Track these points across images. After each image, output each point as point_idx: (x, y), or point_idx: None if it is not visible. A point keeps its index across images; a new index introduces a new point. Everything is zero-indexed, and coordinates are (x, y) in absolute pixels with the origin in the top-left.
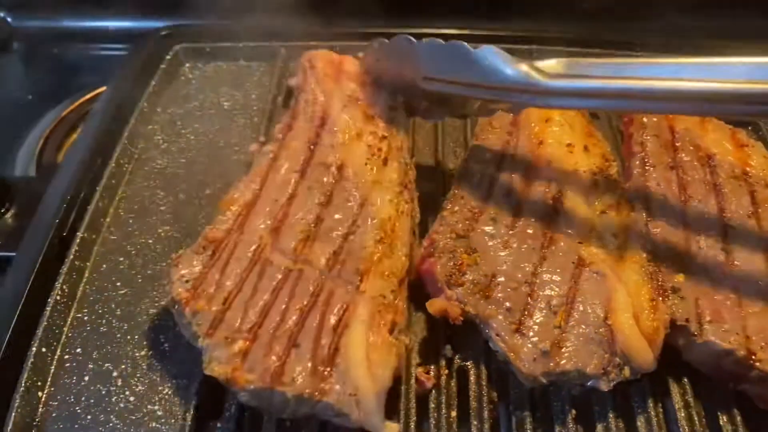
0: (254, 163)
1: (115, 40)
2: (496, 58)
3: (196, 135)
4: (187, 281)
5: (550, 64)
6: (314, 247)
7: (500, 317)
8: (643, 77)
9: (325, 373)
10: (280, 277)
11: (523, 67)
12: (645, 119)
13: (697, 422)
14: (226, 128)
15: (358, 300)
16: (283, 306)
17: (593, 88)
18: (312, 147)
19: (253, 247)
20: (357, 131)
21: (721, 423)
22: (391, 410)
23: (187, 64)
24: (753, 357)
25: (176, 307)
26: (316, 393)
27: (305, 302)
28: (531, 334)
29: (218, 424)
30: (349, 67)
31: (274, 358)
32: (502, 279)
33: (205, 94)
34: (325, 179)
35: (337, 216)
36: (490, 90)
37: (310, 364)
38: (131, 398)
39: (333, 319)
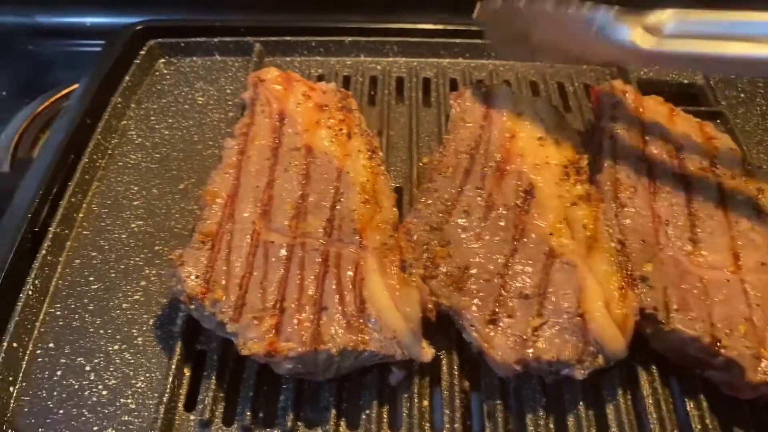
0: (223, 156)
1: (90, 36)
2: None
3: (170, 130)
4: (197, 277)
5: (662, 18)
6: (308, 219)
7: (474, 309)
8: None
9: (360, 324)
10: (285, 253)
11: (637, 31)
12: (615, 112)
13: (664, 409)
14: (201, 123)
15: (365, 254)
16: (298, 277)
17: (705, 56)
18: (277, 137)
19: (249, 233)
20: (315, 120)
21: (688, 409)
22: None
23: (162, 60)
24: (718, 344)
25: (194, 303)
26: (360, 344)
27: (317, 269)
28: (504, 324)
29: (191, 417)
30: (294, 77)
31: (307, 324)
32: (474, 271)
33: (180, 89)
34: (298, 161)
35: (319, 190)
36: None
37: (343, 320)
38: (104, 392)
39: (348, 277)
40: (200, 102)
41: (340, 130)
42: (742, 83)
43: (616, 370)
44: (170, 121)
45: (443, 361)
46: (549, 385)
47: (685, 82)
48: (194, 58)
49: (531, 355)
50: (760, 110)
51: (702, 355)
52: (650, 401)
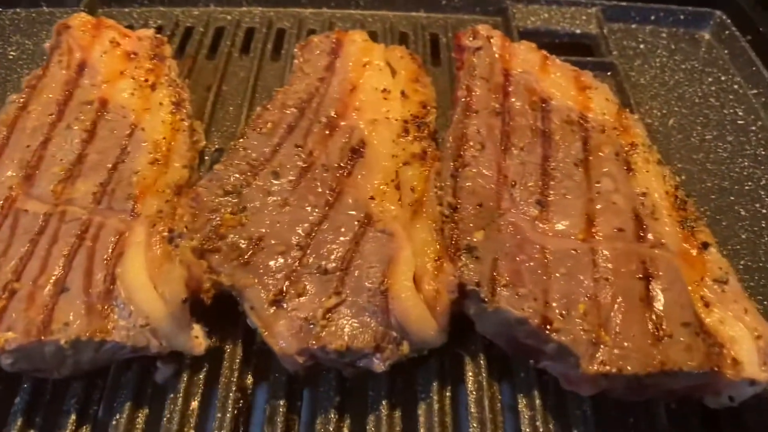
0: (0, 112)
1: None
2: None
3: None
4: None
5: None
6: (77, 184)
7: (258, 286)
8: None
9: (105, 308)
10: (38, 224)
11: None
12: (476, 60)
13: (488, 408)
14: (4, 81)
15: (134, 224)
16: (44, 253)
17: None
18: (69, 91)
19: (1, 201)
20: (120, 70)
21: (519, 408)
22: None
23: None
24: (548, 327)
25: None
26: (98, 332)
27: (71, 244)
28: (292, 305)
29: None
30: (107, 22)
31: (38, 308)
32: (270, 242)
33: None
34: (86, 116)
35: (102, 149)
36: None
37: (83, 305)
38: None
39: (105, 252)
40: (11, 57)
41: (145, 80)
42: (643, 33)
43: (434, 361)
44: None
45: (226, 354)
46: (350, 380)
47: (578, 31)
48: (17, 10)
49: (316, 344)
50: (659, 62)
51: (533, 341)
52: (472, 398)
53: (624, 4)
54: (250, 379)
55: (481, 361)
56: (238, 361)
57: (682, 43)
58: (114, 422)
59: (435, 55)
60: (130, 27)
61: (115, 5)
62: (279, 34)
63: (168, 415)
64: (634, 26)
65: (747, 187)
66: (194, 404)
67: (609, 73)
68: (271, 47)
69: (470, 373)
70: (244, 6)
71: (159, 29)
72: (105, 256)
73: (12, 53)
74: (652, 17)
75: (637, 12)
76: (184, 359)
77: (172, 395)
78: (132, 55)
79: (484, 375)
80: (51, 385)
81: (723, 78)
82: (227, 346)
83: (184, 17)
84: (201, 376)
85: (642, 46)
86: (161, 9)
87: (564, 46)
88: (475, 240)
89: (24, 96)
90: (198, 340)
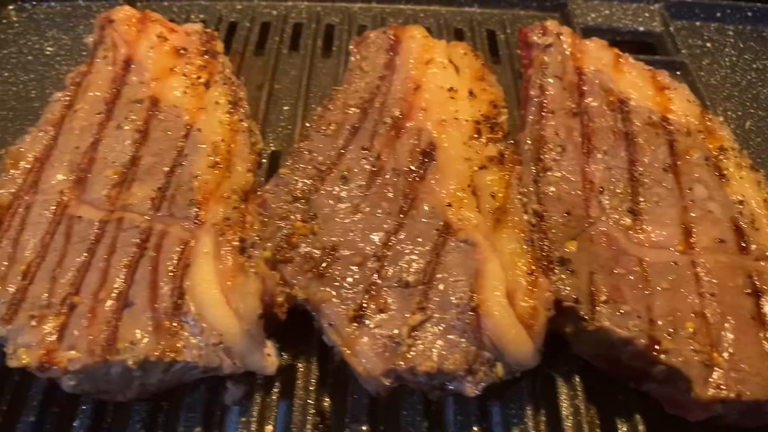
0: (45, 111)
1: None
2: None
3: (4, 85)
4: None
5: None
6: (133, 189)
7: (336, 300)
8: None
9: (174, 325)
10: (94, 232)
11: None
12: (546, 58)
13: None
14: (43, 77)
15: (199, 233)
16: (102, 264)
17: None
18: (117, 88)
19: (53, 206)
20: (170, 66)
21: None
22: None
23: (12, 6)
24: (657, 347)
25: None
26: (168, 353)
27: (132, 253)
28: (374, 322)
29: None
30: (153, 16)
31: (101, 325)
32: (344, 252)
33: (27, 39)
34: (137, 116)
35: (157, 151)
36: None
37: (150, 321)
38: None
39: (170, 263)
40: (48, 53)
41: (198, 78)
42: (709, 31)
43: (525, 383)
44: (6, 74)
45: (299, 373)
46: (436, 403)
47: (641, 29)
48: (52, 3)
49: (404, 364)
50: (729, 62)
51: (638, 363)
52: (570, 423)
53: (689, 1)
54: (327, 401)
55: (577, 384)
56: (313, 380)
57: (751, 41)
58: None
59: (492, 52)
60: (172, 21)
61: None
62: (328, 30)
63: None
64: (698, 23)
65: None
66: (269, 428)
67: (678, 73)
68: (321, 43)
69: (564, 396)
70: (289, 0)
71: (202, 22)
72: (170, 268)
73: (49, 49)
74: (718, 14)
75: (702, 9)
76: (256, 379)
77: (244, 419)
78: (181, 51)
79: (580, 398)
80: (112, 407)
81: None
82: (299, 364)
83: (227, 12)
84: (274, 398)
85: (708, 44)
86: (202, 2)
87: (625, 44)
88: (567, 251)
89: (69, 94)
90: (270, 358)
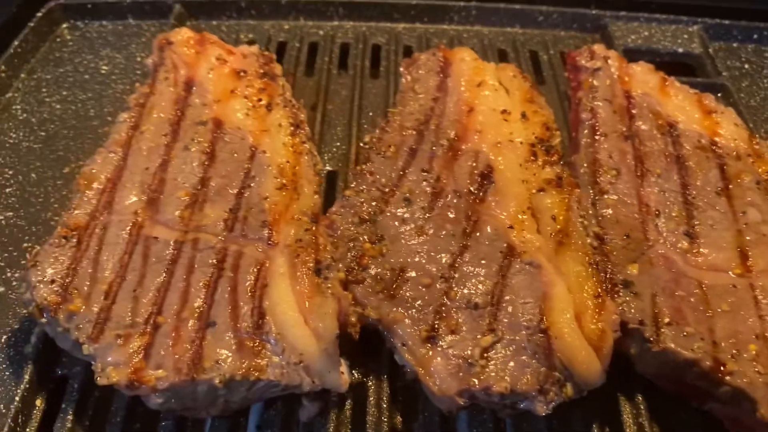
0: (111, 132)
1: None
2: None
3: (63, 104)
4: (52, 282)
5: None
6: (205, 209)
7: (408, 321)
8: None
9: (256, 345)
10: (170, 253)
11: None
12: (596, 82)
13: None
14: (100, 96)
15: (273, 254)
16: (183, 284)
17: None
18: (180, 110)
19: (128, 227)
20: (230, 88)
21: None
22: None
23: (66, 24)
24: (722, 369)
25: (46, 315)
26: (253, 371)
27: (210, 274)
28: (446, 343)
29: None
30: (210, 38)
31: (186, 345)
32: (413, 274)
33: (82, 57)
34: (202, 138)
35: (225, 172)
36: None
37: (233, 340)
38: None
39: (248, 283)
40: (104, 71)
41: (259, 100)
42: (746, 53)
43: (591, 402)
44: (64, 93)
45: (370, 391)
46: (505, 421)
47: (680, 51)
48: (104, 22)
49: (478, 384)
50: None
51: (702, 383)
52: None
53: (726, 22)
54: (399, 419)
55: (640, 403)
56: (384, 398)
57: None
58: None
59: (537, 73)
60: (221, 40)
61: (204, 18)
62: (374, 50)
63: None
64: (735, 45)
65: None
66: None
67: (720, 95)
68: (368, 64)
69: (627, 415)
70: (335, 20)
71: (251, 42)
72: (249, 288)
73: (104, 67)
74: (755, 36)
75: (740, 31)
76: (330, 396)
77: None
78: (241, 74)
79: (644, 416)
80: (192, 423)
81: None
82: (370, 382)
83: (275, 31)
84: (347, 414)
85: (747, 66)
86: (251, 22)
87: (665, 66)
88: (629, 274)
89: (134, 115)
90: (344, 376)
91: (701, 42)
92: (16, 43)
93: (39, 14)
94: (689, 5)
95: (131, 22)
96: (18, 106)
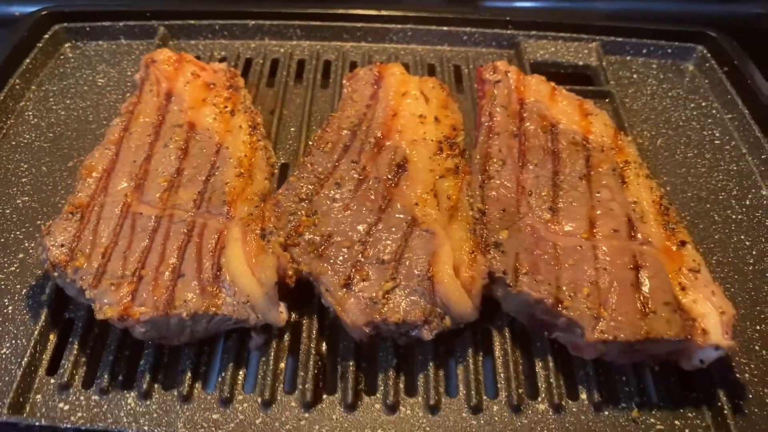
0: (107, 133)
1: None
2: None
3: (67, 111)
4: (62, 245)
5: None
6: (179, 192)
7: (331, 273)
8: None
9: (214, 290)
10: (152, 224)
11: None
12: (496, 91)
13: (512, 369)
14: (97, 104)
15: (230, 225)
16: (161, 247)
17: None
18: (161, 115)
19: (120, 205)
20: (202, 98)
21: (536, 369)
22: None
23: (68, 44)
24: (560, 305)
25: (57, 270)
26: (211, 307)
27: (181, 239)
28: (358, 288)
29: (52, 380)
30: (186, 57)
31: (162, 290)
32: (338, 239)
33: (82, 72)
34: (179, 137)
35: (196, 164)
36: None
37: (197, 287)
38: None
39: (210, 246)
40: (100, 84)
41: (225, 107)
42: (636, 65)
43: (469, 333)
44: (68, 102)
45: (303, 327)
46: (403, 347)
47: (580, 63)
48: (100, 42)
49: (379, 317)
50: (650, 90)
51: (547, 317)
52: (500, 362)
53: (620, 39)
54: (324, 346)
55: (506, 334)
56: (314, 332)
57: (670, 73)
58: (220, 379)
59: (458, 83)
60: (198, 57)
61: (183, 38)
62: (326, 65)
63: (262, 374)
64: (628, 58)
65: (721, 197)
66: (282, 365)
67: (607, 100)
68: (320, 77)
69: (497, 343)
70: (294, 40)
71: (223, 59)
72: (210, 249)
73: (100, 80)
74: (644, 50)
75: (632, 46)
76: (273, 330)
77: (264, 358)
78: (211, 86)
79: (508, 344)
80: (168, 350)
81: (703, 104)
82: (304, 321)
83: (244, 49)
84: (285, 344)
85: (635, 75)
86: (223, 42)
87: (568, 76)
88: (500, 238)
89: (124, 119)
90: (282, 314)
91: (598, 56)
92: (27, 60)
93: (46, 36)
94: (590, 25)
95: (123, 42)
96: (30, 113)
